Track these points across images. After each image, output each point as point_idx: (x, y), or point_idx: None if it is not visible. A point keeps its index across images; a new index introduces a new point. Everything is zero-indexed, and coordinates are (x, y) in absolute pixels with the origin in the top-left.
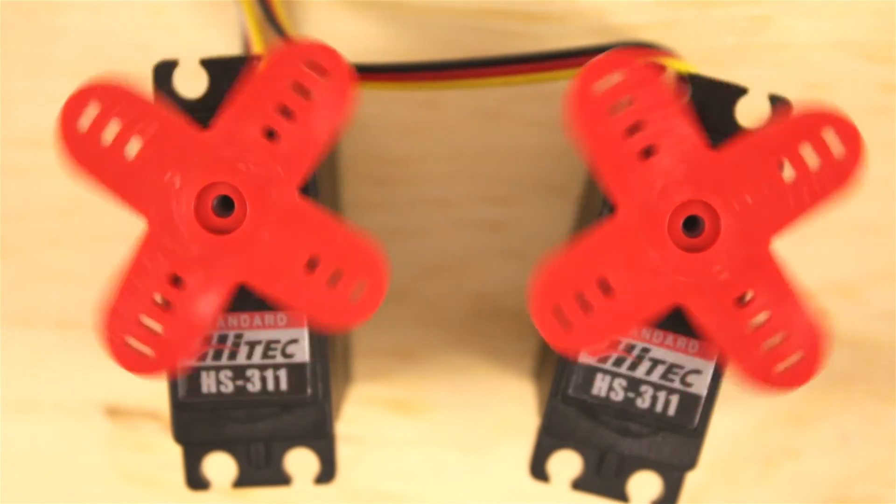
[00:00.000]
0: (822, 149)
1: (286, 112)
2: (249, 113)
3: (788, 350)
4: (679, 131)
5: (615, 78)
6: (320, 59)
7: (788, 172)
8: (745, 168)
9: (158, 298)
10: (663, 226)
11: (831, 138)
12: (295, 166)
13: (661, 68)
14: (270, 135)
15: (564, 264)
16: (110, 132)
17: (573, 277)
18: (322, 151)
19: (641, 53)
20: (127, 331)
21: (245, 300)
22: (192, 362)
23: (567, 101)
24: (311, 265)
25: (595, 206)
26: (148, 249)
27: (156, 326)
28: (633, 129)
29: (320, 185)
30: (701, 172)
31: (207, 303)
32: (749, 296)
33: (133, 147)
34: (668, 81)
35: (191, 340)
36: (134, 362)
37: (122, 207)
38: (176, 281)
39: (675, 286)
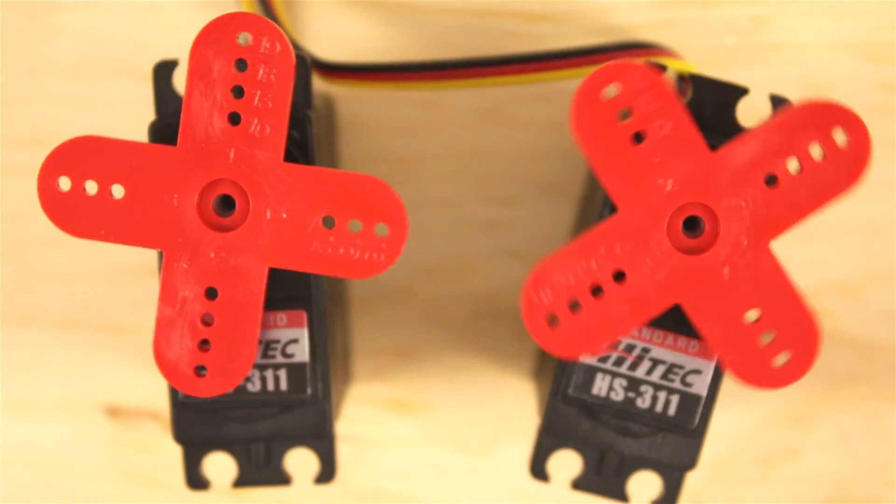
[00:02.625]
0: (828, 144)
1: (237, 91)
2: (205, 107)
3: (779, 348)
4: (681, 135)
5: (619, 86)
6: (242, 27)
7: (793, 168)
8: (747, 168)
9: (203, 317)
10: (663, 227)
11: (838, 134)
12: (269, 136)
13: (662, 71)
14: (234, 118)
15: (558, 262)
16: (91, 186)
17: (567, 276)
18: (285, 109)
19: (643, 56)
20: (185, 360)
21: None
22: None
23: (573, 105)
24: (328, 223)
25: (596, 206)
26: (173, 275)
27: (206, 345)
28: (637, 135)
29: None
30: (701, 175)
31: (248, 302)
32: (746, 295)
33: (118, 191)
34: (670, 85)
35: (248, 347)
36: (198, 386)
37: (135, 246)
38: (210, 293)
39: (672, 287)
